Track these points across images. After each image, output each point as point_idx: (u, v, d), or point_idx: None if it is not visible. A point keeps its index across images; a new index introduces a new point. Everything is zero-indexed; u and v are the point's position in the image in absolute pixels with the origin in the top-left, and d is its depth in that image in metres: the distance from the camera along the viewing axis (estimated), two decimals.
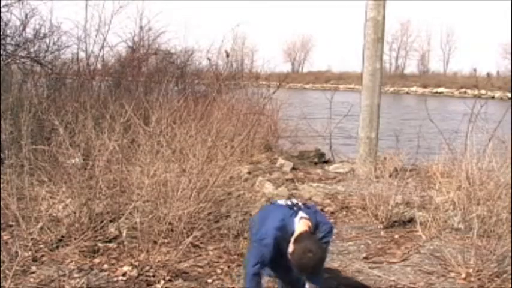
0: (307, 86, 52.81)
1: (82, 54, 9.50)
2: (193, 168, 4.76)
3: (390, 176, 6.30)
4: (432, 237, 4.59)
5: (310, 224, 2.89)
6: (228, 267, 3.84)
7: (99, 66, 9.99)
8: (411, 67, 68.51)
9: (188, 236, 3.94)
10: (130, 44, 10.87)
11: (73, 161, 4.82)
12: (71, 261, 3.75)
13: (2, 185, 4.46)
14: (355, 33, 14.46)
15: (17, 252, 3.42)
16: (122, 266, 3.70)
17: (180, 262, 3.79)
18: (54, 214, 4.20)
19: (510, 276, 3.59)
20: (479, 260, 3.73)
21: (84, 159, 4.96)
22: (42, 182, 4.74)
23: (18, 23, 8.07)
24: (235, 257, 3.99)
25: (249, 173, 7.05)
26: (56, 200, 4.27)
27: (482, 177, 5.31)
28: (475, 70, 55.84)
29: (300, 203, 3.08)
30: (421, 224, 4.73)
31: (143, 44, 11.16)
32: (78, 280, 3.45)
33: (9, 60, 7.82)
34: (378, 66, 7.49)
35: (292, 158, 8.36)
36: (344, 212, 5.52)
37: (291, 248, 2.77)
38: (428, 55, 67.72)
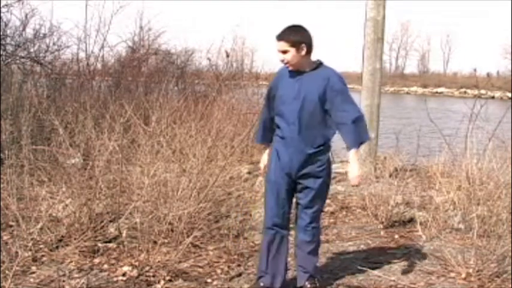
0: None
1: (82, 54, 9.53)
2: (193, 168, 4.76)
3: (390, 176, 6.31)
4: (432, 237, 4.59)
5: None
6: (228, 267, 3.84)
7: (99, 66, 10.01)
8: (411, 67, 68.65)
9: (188, 236, 3.94)
10: (130, 44, 10.89)
11: (73, 161, 4.83)
12: (71, 261, 3.75)
13: (2, 185, 4.46)
14: (355, 33, 14.46)
15: (17, 252, 3.42)
16: (122, 266, 3.69)
17: (180, 262, 3.79)
18: (54, 214, 4.20)
19: (510, 276, 3.59)
20: (479, 260, 3.73)
21: (84, 159, 4.97)
22: (42, 182, 4.74)
23: (18, 23, 8.09)
24: (235, 257, 3.99)
25: (249, 173, 7.04)
26: (56, 200, 4.27)
27: (482, 177, 5.32)
28: (475, 70, 55.91)
29: None
30: (421, 224, 4.73)
31: (143, 44, 11.17)
32: (78, 280, 3.45)
33: (9, 60, 7.82)
34: (378, 66, 7.49)
35: None
36: (344, 212, 5.52)
37: None
38: (428, 55, 67.82)
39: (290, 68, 3.14)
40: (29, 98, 6.55)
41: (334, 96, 3.08)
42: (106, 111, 5.59)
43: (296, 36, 3.07)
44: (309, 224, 3.31)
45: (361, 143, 3.17)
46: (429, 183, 6.43)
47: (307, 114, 3.10)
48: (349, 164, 3.13)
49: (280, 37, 3.09)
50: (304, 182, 3.21)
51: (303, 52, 3.08)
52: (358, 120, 3.11)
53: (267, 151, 3.43)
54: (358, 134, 3.12)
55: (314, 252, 3.43)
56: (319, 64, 3.18)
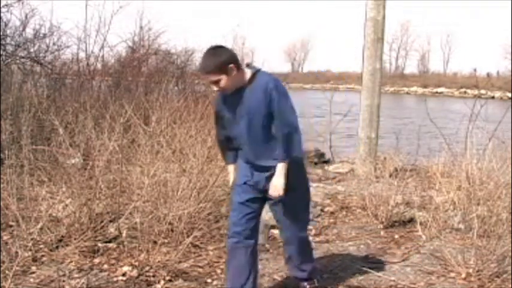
0: (307, 86, 52.84)
1: (82, 54, 9.51)
2: (193, 168, 4.76)
3: (390, 176, 6.31)
4: (432, 237, 4.59)
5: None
6: None
7: (99, 66, 9.99)
8: (411, 67, 68.75)
9: (188, 236, 3.94)
10: (130, 44, 10.87)
11: (73, 161, 4.83)
12: (71, 261, 3.75)
13: (2, 185, 4.46)
14: (355, 33, 14.45)
15: (17, 252, 3.42)
16: (122, 266, 3.70)
17: (180, 262, 3.79)
18: (54, 214, 4.20)
19: (510, 276, 3.59)
20: (479, 260, 3.73)
21: (84, 159, 4.97)
22: (42, 182, 4.74)
23: (18, 23, 8.08)
24: None
25: None
26: (56, 200, 4.27)
27: (482, 177, 5.32)
28: (475, 70, 55.95)
29: None
30: (421, 224, 4.73)
31: (143, 44, 11.16)
32: (78, 280, 3.45)
33: (9, 60, 7.82)
34: (378, 66, 7.49)
35: None
36: (344, 212, 5.52)
37: None
38: (428, 55, 67.85)
39: (229, 92, 2.99)
40: (29, 98, 6.55)
41: (274, 105, 2.91)
42: (106, 111, 5.59)
43: (219, 61, 2.86)
44: (290, 236, 3.23)
45: (289, 157, 2.97)
46: (429, 183, 6.43)
47: (257, 129, 2.96)
48: (274, 176, 2.97)
49: (205, 70, 2.91)
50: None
51: (234, 72, 2.90)
52: (289, 134, 2.93)
53: (232, 167, 3.28)
54: (286, 148, 2.94)
55: (306, 260, 3.36)
56: (255, 73, 2.99)
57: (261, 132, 2.97)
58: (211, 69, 2.87)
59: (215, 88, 2.99)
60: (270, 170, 3.01)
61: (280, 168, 2.95)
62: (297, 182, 3.08)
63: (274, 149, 2.98)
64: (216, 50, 2.92)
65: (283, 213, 3.14)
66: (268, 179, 3.02)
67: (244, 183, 3.10)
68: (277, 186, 2.96)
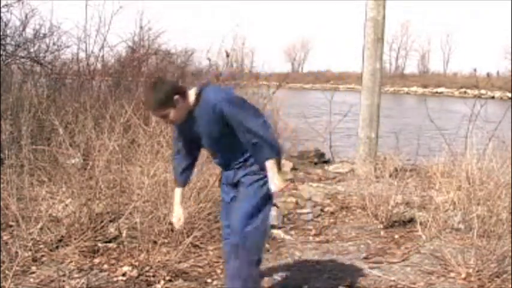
0: (307, 86, 52.82)
1: (82, 54, 9.50)
2: None
3: (390, 176, 6.30)
4: (432, 237, 4.59)
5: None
6: None
7: (99, 66, 9.98)
8: (411, 67, 68.77)
9: (188, 236, 3.94)
10: (130, 44, 10.87)
11: (73, 161, 4.83)
12: (71, 261, 3.75)
13: (2, 185, 4.46)
14: (355, 33, 14.45)
15: (17, 252, 3.42)
16: (122, 266, 3.70)
17: (180, 262, 3.79)
18: (54, 214, 4.20)
19: (510, 276, 3.59)
20: (479, 260, 3.73)
21: (84, 159, 4.97)
22: (42, 182, 4.74)
23: (18, 23, 8.08)
24: None
25: None
26: (56, 200, 4.27)
27: (482, 177, 5.32)
28: (475, 70, 55.96)
29: None
30: (421, 224, 4.73)
31: (143, 44, 11.16)
32: (78, 280, 3.45)
33: (9, 60, 7.82)
34: (378, 66, 7.49)
35: (292, 158, 8.36)
36: (344, 212, 5.52)
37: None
38: (428, 55, 67.88)
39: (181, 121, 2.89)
40: (29, 98, 6.55)
41: (230, 119, 2.77)
42: (106, 111, 5.59)
43: (162, 96, 2.73)
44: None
45: (272, 157, 2.82)
46: (429, 183, 6.43)
47: (221, 141, 2.87)
48: (268, 176, 2.82)
49: (152, 109, 2.85)
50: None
51: (180, 102, 2.77)
52: (258, 143, 2.79)
53: (179, 194, 3.14)
54: (260, 155, 2.82)
55: None
56: (199, 93, 2.85)
57: (227, 141, 2.86)
58: (157, 107, 2.78)
59: (166, 122, 2.92)
60: (239, 164, 2.92)
61: (270, 166, 2.80)
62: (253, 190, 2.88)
63: (245, 153, 2.88)
64: (156, 86, 2.80)
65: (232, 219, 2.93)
66: (237, 171, 2.92)
67: (223, 184, 3.06)
68: (274, 181, 2.79)
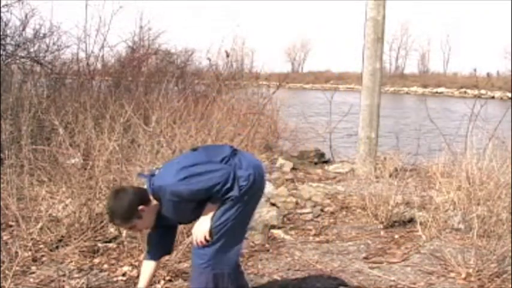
0: (307, 86, 52.86)
1: (82, 54, 9.52)
2: None
3: (390, 176, 6.32)
4: (432, 237, 4.59)
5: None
6: None
7: (99, 66, 10.00)
8: (411, 67, 68.80)
9: (188, 236, 3.94)
10: (130, 44, 10.88)
11: (73, 161, 4.83)
12: (71, 261, 3.75)
13: (2, 185, 4.46)
14: (355, 33, 14.47)
15: (17, 252, 3.43)
16: (122, 266, 3.70)
17: (180, 262, 3.79)
18: (54, 214, 4.20)
19: (510, 276, 3.59)
20: (479, 260, 3.74)
21: (84, 159, 4.96)
22: (42, 182, 4.74)
23: (18, 23, 8.09)
24: None
25: None
26: (56, 200, 4.27)
27: (482, 177, 5.32)
28: (475, 70, 56.02)
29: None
30: (421, 224, 4.74)
31: (143, 44, 11.17)
32: (78, 280, 3.45)
33: (9, 60, 7.82)
34: (378, 66, 7.50)
35: (292, 158, 8.36)
36: (344, 212, 5.52)
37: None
38: (428, 55, 67.91)
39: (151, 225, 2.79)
40: (29, 98, 6.54)
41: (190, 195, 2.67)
42: (106, 111, 5.58)
43: (125, 210, 2.61)
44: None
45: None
46: (429, 183, 6.43)
47: (187, 215, 2.85)
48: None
49: (118, 223, 2.74)
50: None
51: (145, 211, 2.66)
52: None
53: (150, 268, 2.95)
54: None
55: None
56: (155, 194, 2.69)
57: (192, 211, 2.81)
58: (122, 221, 2.67)
59: (136, 232, 2.84)
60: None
61: (209, 209, 2.76)
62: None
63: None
64: (116, 200, 2.63)
65: None
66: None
67: None
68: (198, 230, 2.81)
